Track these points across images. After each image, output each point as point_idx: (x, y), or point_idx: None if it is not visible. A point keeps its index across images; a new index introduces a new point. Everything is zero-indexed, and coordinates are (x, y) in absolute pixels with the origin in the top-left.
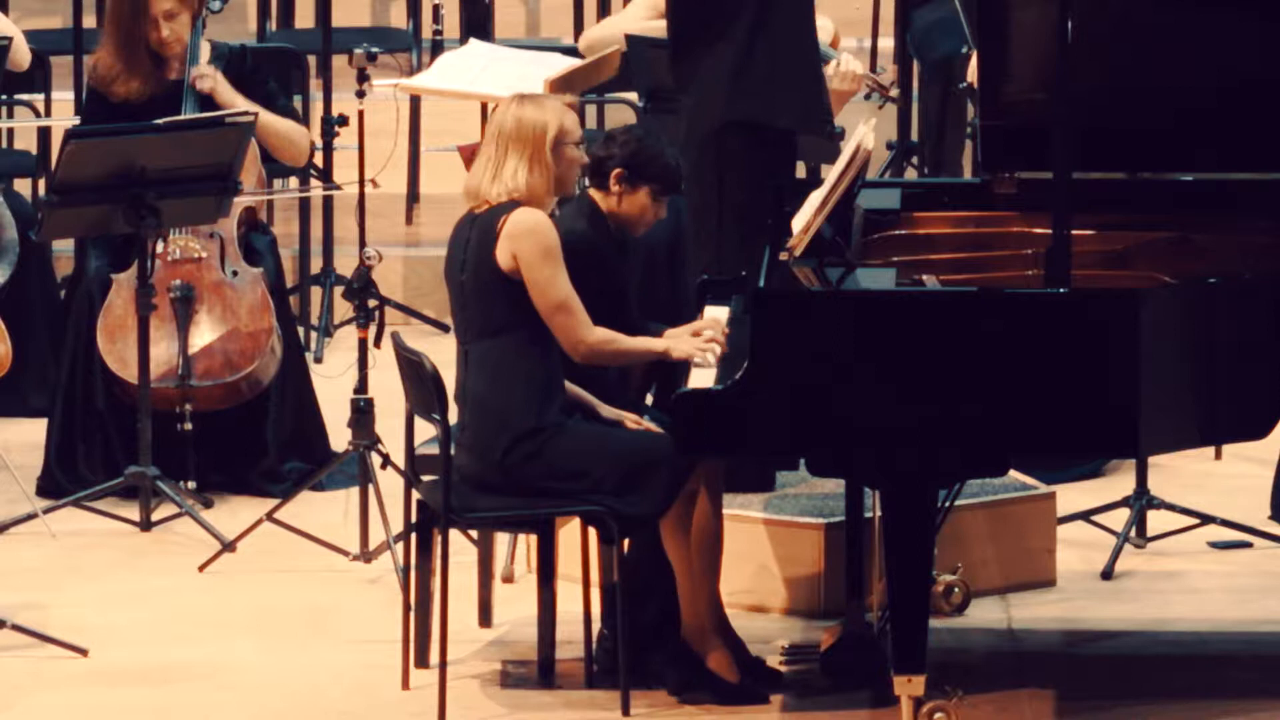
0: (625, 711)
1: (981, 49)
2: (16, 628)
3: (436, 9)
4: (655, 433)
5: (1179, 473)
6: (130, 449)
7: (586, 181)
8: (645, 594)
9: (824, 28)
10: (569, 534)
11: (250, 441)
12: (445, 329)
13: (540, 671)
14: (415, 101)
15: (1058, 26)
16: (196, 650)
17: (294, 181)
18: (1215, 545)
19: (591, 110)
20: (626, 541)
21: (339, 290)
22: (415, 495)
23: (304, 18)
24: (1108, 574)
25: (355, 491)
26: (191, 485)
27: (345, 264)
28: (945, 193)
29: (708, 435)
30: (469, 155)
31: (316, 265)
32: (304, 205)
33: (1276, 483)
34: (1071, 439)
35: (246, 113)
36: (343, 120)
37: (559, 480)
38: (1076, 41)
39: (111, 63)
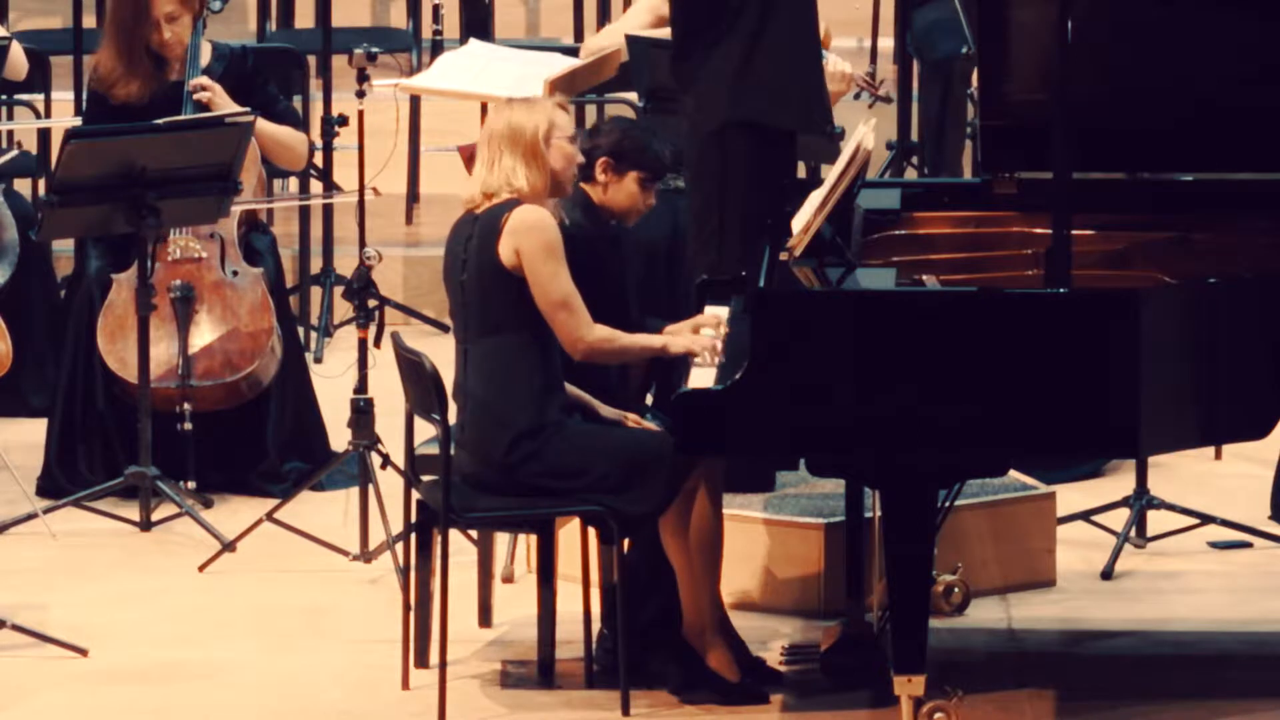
0: (625, 711)
1: (981, 49)
2: (16, 628)
3: (436, 9)
4: (655, 432)
5: (1179, 473)
6: (130, 449)
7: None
8: (645, 594)
9: None
10: (569, 534)
11: (250, 441)
12: (445, 329)
13: (540, 671)
14: (415, 101)
15: (1057, 27)
16: (196, 650)
17: (294, 183)
18: (1215, 545)
19: (591, 110)
20: (626, 541)
21: (339, 290)
22: (415, 495)
23: (304, 18)
24: (1108, 574)
25: (355, 491)
26: (191, 485)
27: (345, 264)
28: (945, 193)
29: (707, 435)
30: (469, 155)
31: (316, 265)
32: (304, 205)
33: (1276, 483)
34: (1071, 439)
35: (247, 112)
36: (343, 120)
37: (559, 479)
38: (1076, 41)
39: (112, 65)
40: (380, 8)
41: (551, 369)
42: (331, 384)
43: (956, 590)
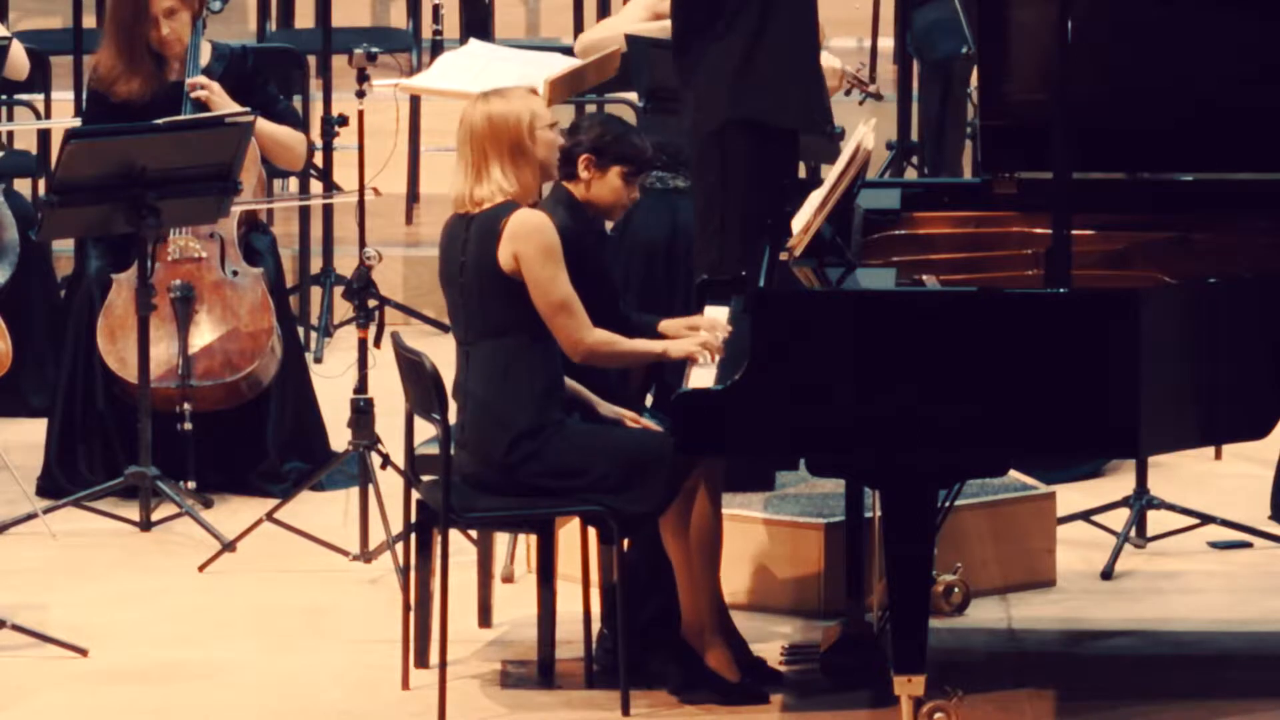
0: (625, 711)
1: (981, 49)
2: (16, 628)
3: (436, 9)
4: (655, 432)
5: (1179, 473)
6: (130, 449)
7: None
8: (645, 594)
9: None
10: (569, 534)
11: (250, 441)
12: (445, 329)
13: (540, 671)
14: (415, 101)
15: (1057, 27)
16: (196, 650)
17: (294, 183)
18: (1215, 545)
19: (591, 110)
20: (626, 541)
21: (339, 290)
22: (415, 495)
23: (304, 18)
24: (1108, 574)
25: (355, 491)
26: (191, 485)
27: (345, 264)
28: (945, 193)
29: (707, 434)
30: None
31: (316, 265)
32: (304, 205)
33: (1276, 483)
34: (1071, 439)
35: (247, 112)
36: (343, 120)
37: (558, 479)
38: (1076, 41)
39: (112, 63)
40: (380, 8)
41: (552, 370)
42: (331, 384)
43: (956, 590)
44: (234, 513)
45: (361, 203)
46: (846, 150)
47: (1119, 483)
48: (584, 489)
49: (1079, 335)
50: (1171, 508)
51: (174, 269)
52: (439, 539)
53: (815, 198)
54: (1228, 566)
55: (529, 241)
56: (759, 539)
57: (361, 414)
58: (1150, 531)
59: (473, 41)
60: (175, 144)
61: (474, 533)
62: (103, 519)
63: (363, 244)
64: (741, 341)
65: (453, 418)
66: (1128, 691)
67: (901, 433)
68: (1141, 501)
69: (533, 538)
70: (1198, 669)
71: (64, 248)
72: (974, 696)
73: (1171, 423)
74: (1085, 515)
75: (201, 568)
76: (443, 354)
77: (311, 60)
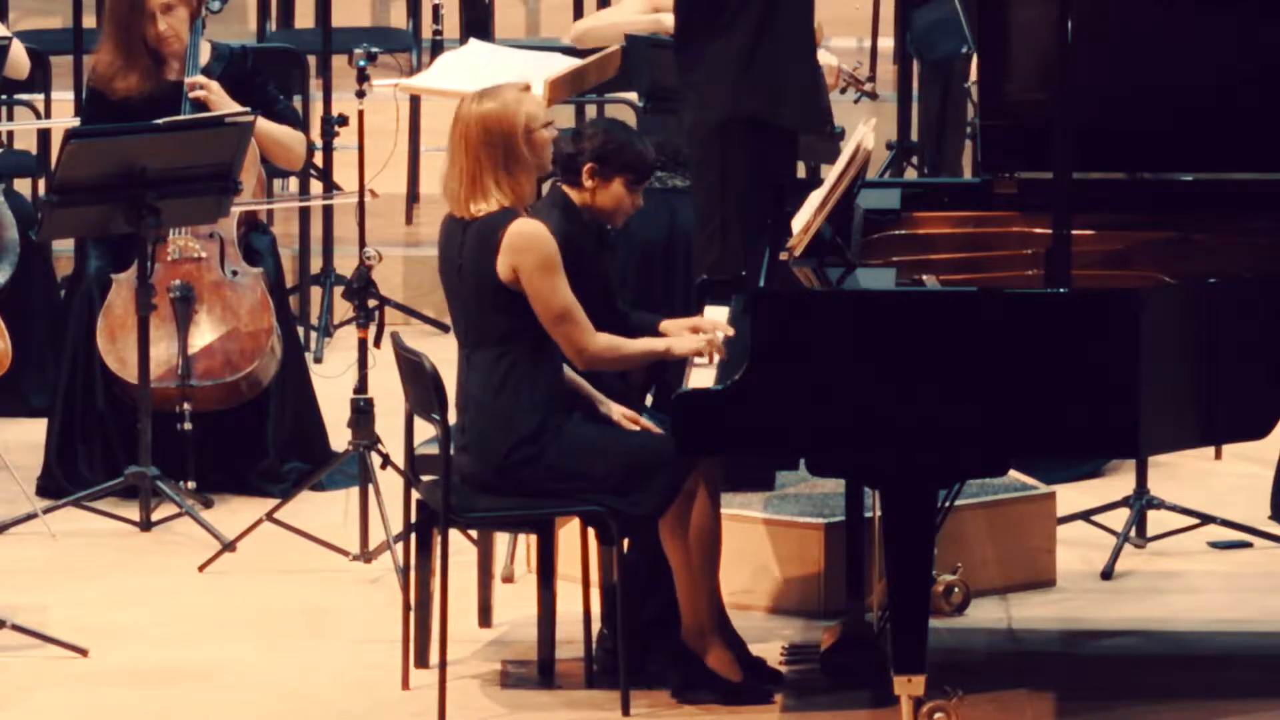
0: (625, 711)
1: (981, 49)
2: (16, 628)
3: (436, 9)
4: (654, 433)
5: (1179, 473)
6: (130, 449)
7: (558, 176)
8: (645, 594)
9: None
10: (569, 534)
11: (250, 441)
12: (445, 329)
13: (540, 671)
14: (415, 101)
15: (1058, 27)
16: (196, 650)
17: (294, 183)
18: (1215, 545)
19: (592, 110)
20: (626, 541)
21: (339, 290)
22: (415, 495)
23: (304, 18)
24: (1108, 574)
25: (355, 491)
26: (191, 485)
27: (345, 264)
28: (945, 193)
29: (707, 434)
30: None
31: (316, 265)
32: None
33: (1276, 483)
34: (1072, 439)
35: (247, 112)
36: (343, 120)
37: (559, 481)
38: (1076, 41)
39: (110, 59)
40: (380, 8)
41: (552, 376)
42: (331, 384)
43: (956, 590)
44: (234, 513)
45: (361, 203)
46: (846, 150)
47: (1119, 483)
48: (584, 491)
49: (1079, 335)
50: (1171, 508)
51: (174, 269)
52: (439, 539)
53: (815, 198)
54: (1228, 566)
55: (528, 254)
56: (759, 539)
57: (361, 414)
58: (1150, 531)
59: (473, 41)
60: (175, 144)
61: (474, 533)
62: (103, 519)
63: (363, 244)
64: (741, 341)
65: (452, 418)
66: (1128, 691)
67: (901, 432)
68: (1141, 501)
69: (533, 538)
70: (1198, 669)
71: (64, 248)
72: (974, 696)
73: (1171, 423)
74: (1085, 515)
75: (201, 568)
76: (443, 354)
77: (311, 60)
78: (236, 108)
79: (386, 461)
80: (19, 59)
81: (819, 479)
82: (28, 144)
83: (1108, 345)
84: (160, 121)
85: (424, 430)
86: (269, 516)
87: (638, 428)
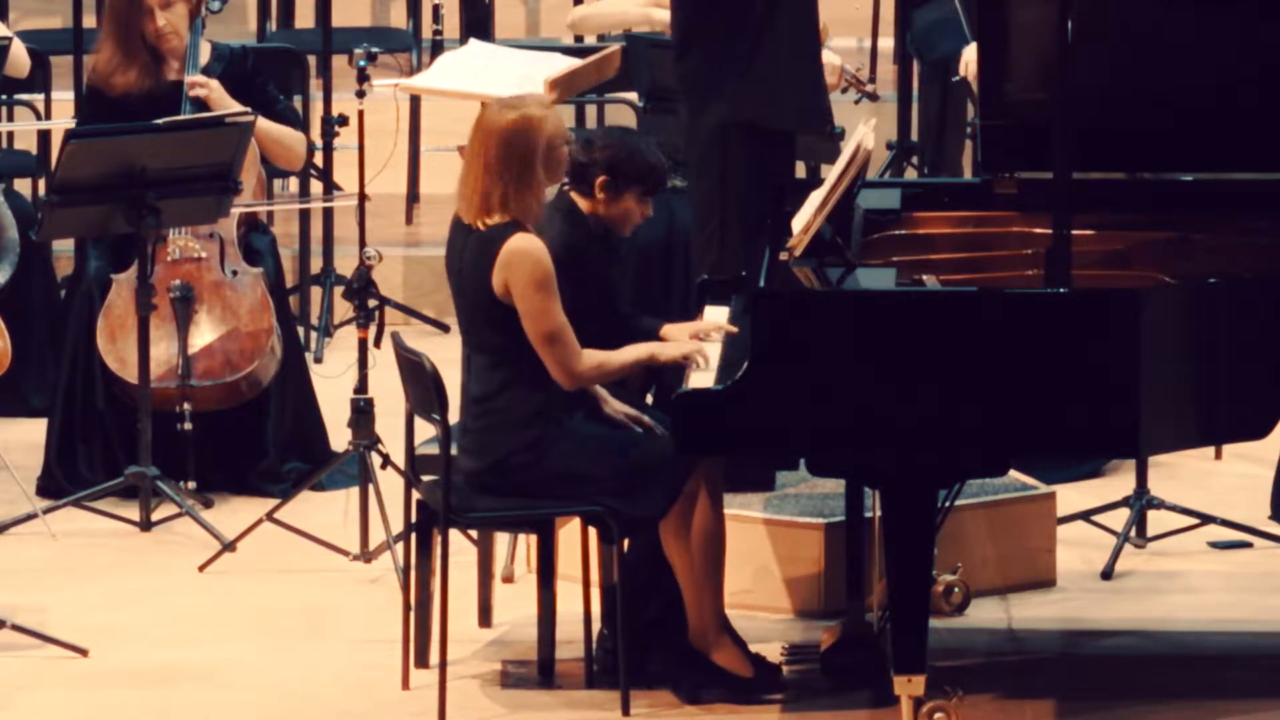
0: (625, 711)
1: (981, 49)
2: (16, 628)
3: (436, 9)
4: (654, 435)
5: (1179, 473)
6: (130, 449)
7: (568, 183)
8: (645, 594)
9: None
10: (569, 534)
11: (250, 441)
12: (445, 329)
13: (540, 671)
14: (415, 101)
15: (1058, 27)
16: (196, 650)
17: (294, 183)
18: (1215, 545)
19: (591, 110)
20: (626, 541)
21: (339, 290)
22: (415, 495)
23: (304, 18)
24: (1108, 574)
25: (355, 491)
26: (191, 485)
27: (345, 264)
28: (945, 193)
29: (707, 435)
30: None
31: (316, 265)
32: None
33: (1276, 483)
34: (1072, 439)
35: (247, 112)
36: (343, 120)
37: (559, 482)
38: (1076, 41)
39: (109, 55)
40: (380, 8)
41: (552, 380)
42: (331, 384)
43: (956, 590)
44: (234, 513)
45: (362, 203)
46: (846, 150)
47: (1119, 483)
48: (584, 492)
49: (1079, 335)
50: (1171, 508)
51: (174, 269)
52: (439, 539)
53: (815, 198)
54: (1228, 566)
55: (520, 271)
56: (759, 539)
57: (361, 414)
58: (1150, 531)
59: (473, 41)
60: (175, 144)
61: (474, 533)
62: (103, 519)
63: (363, 244)
64: (741, 341)
65: (452, 418)
66: (1128, 691)
67: (901, 433)
68: (1141, 501)
69: (533, 538)
70: (1198, 669)
71: (64, 248)
72: (974, 696)
73: (1171, 423)
74: (1085, 515)
75: (201, 568)
76: (443, 354)
77: (311, 60)
78: (237, 107)
79: (387, 461)
80: (19, 58)
81: (819, 479)
82: (28, 144)
83: (1108, 345)
84: (160, 121)
85: (424, 430)
86: (269, 516)
87: (637, 430)
